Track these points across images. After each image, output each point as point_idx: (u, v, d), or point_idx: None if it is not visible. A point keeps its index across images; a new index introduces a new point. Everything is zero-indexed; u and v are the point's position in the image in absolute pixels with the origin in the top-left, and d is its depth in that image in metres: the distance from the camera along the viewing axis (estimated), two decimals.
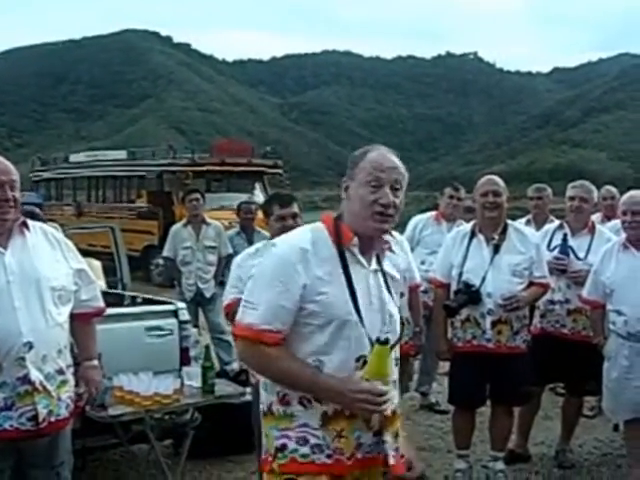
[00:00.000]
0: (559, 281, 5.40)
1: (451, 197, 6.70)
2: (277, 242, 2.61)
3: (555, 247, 5.52)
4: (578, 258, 5.44)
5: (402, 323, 5.37)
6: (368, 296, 2.54)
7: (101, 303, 3.74)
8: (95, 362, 3.74)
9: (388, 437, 2.52)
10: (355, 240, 2.52)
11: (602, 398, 5.21)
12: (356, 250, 2.54)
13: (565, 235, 5.54)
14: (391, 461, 2.50)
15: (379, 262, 2.63)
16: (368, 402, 2.40)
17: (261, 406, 2.59)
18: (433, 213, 6.89)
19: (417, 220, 6.87)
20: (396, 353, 2.62)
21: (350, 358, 2.48)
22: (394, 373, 2.58)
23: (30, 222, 3.47)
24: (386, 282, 2.64)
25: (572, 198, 5.57)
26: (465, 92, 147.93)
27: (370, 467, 2.55)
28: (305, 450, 2.48)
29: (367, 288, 2.55)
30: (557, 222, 5.89)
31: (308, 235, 2.54)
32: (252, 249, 4.55)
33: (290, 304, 2.45)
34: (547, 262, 5.21)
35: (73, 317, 3.55)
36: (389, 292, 2.63)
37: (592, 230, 5.56)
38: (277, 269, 2.48)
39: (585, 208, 5.56)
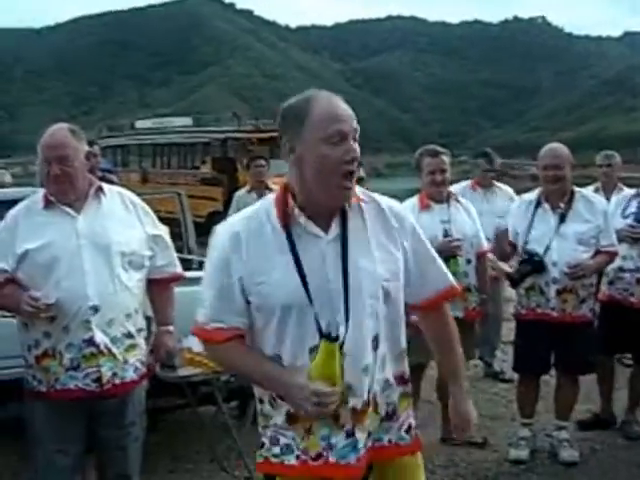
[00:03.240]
0: (631, 249, 5.28)
1: (486, 170, 6.77)
2: (218, 227, 2.35)
3: (630, 214, 5.40)
4: None
5: (469, 289, 5.27)
6: (323, 272, 2.19)
7: (178, 269, 3.69)
8: (170, 328, 3.73)
9: (359, 435, 2.25)
10: (296, 211, 2.20)
11: None
12: (302, 220, 2.20)
13: None
14: (352, 461, 2.23)
15: (344, 224, 2.22)
16: (309, 402, 2.15)
17: None
18: (469, 182, 6.90)
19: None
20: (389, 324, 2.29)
21: (303, 350, 2.20)
22: (354, 372, 2.21)
23: (107, 186, 3.46)
24: (369, 247, 2.24)
25: None
26: (533, 57, 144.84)
27: (354, 476, 2.26)
28: (276, 450, 2.30)
29: (322, 262, 2.20)
30: (632, 190, 5.74)
31: (248, 213, 2.30)
32: None
33: (234, 297, 2.25)
34: (621, 229, 5.14)
35: (150, 282, 3.54)
36: (369, 257, 2.23)
37: None
38: (215, 262, 2.31)
39: None
